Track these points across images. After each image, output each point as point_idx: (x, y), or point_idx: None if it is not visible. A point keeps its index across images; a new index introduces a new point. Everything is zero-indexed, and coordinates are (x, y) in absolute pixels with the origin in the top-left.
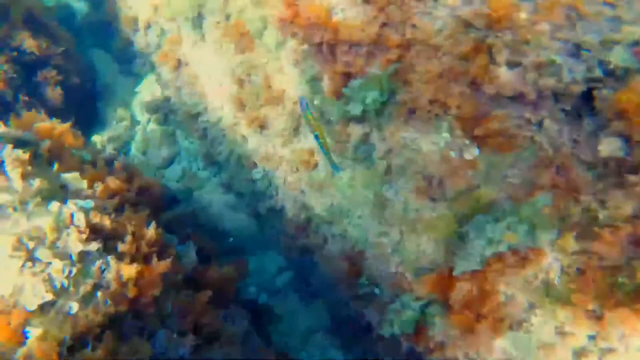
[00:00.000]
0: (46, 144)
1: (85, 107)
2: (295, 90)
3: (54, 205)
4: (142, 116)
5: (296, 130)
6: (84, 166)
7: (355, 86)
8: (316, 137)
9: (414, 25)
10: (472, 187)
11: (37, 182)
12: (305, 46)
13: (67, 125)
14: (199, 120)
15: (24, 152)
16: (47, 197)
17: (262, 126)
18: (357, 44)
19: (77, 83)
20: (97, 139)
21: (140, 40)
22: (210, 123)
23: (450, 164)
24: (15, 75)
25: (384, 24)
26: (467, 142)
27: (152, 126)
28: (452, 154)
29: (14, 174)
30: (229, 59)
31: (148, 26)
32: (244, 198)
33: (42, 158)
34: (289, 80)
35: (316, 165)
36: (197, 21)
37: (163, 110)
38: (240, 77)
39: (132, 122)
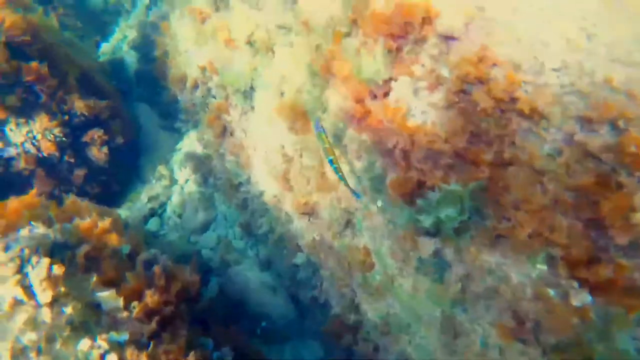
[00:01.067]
0: (84, 250)
1: (127, 163)
2: (353, 184)
3: (84, 344)
4: (180, 175)
5: (350, 224)
6: (122, 273)
7: (431, 199)
8: (330, 161)
9: (513, 144)
10: (582, 341)
11: (68, 309)
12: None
13: (108, 222)
14: (240, 190)
15: (59, 266)
16: (78, 327)
17: (311, 213)
18: (437, 153)
19: (121, 142)
20: (136, 197)
21: (186, 99)
22: (252, 195)
23: (549, 304)
24: (64, 138)
25: (472, 135)
26: (575, 284)
27: (191, 187)
28: (552, 292)
29: (44, 297)
30: (281, 136)
31: (196, 86)
32: (283, 280)
33: (78, 266)
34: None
35: (372, 266)
36: (249, 93)
37: (202, 172)
38: (291, 157)
39: (171, 180)
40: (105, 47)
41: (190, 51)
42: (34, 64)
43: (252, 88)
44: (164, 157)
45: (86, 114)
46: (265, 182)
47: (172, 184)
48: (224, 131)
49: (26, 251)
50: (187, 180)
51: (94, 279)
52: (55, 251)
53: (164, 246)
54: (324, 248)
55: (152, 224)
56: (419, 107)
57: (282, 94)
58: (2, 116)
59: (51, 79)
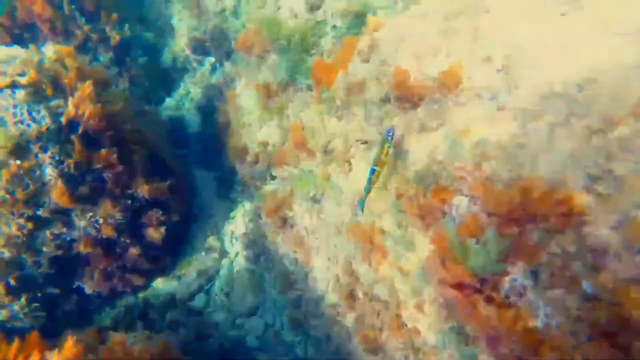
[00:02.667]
0: None
1: (181, 234)
2: (432, 335)
3: None
4: (231, 247)
5: None
6: None
7: None
8: (372, 171)
9: None
10: None
11: None
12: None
13: None
14: (295, 287)
15: None
16: None
17: (377, 349)
18: None
19: (177, 219)
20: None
21: (245, 172)
22: (308, 296)
23: None
24: (123, 221)
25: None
26: None
27: (241, 262)
28: None
29: None
30: (348, 251)
31: (256, 161)
32: None
33: None
34: (426, 322)
35: None
36: (318, 198)
37: (254, 250)
38: (358, 278)
39: (222, 253)
40: (169, 102)
41: (253, 125)
42: (103, 152)
43: (322, 195)
44: (217, 226)
45: (147, 196)
46: (324, 289)
47: (222, 257)
48: (284, 223)
49: None
50: (237, 254)
51: None
52: None
53: (209, 327)
54: None
55: (199, 301)
56: (539, 304)
57: (356, 213)
58: (71, 206)
59: (118, 166)
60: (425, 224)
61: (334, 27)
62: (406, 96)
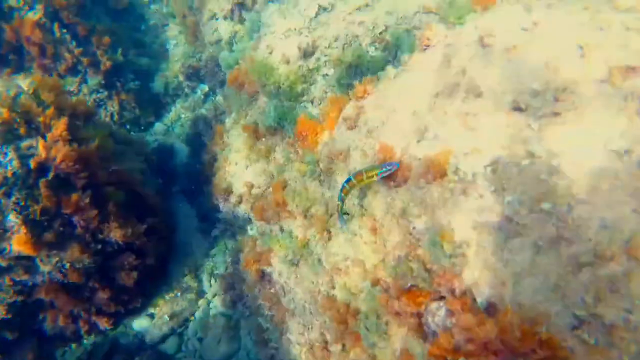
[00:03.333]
0: None
1: (157, 273)
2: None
3: None
4: (209, 288)
5: None
6: None
7: None
8: (348, 180)
9: None
10: None
11: None
12: None
13: None
14: (269, 345)
15: None
16: None
17: None
18: None
19: (152, 262)
20: (159, 311)
21: (228, 211)
22: (281, 357)
23: None
24: (92, 265)
25: None
26: None
27: (217, 306)
28: None
29: None
30: (323, 321)
31: (240, 202)
32: None
33: None
34: None
35: None
36: (295, 262)
37: (232, 295)
38: (331, 354)
39: (198, 293)
40: (159, 127)
41: (239, 164)
42: (74, 197)
43: (300, 259)
44: (196, 264)
45: (121, 241)
46: (298, 354)
47: (198, 298)
48: (263, 275)
49: None
50: (215, 296)
51: None
52: None
53: None
54: None
55: (170, 344)
56: None
57: (333, 286)
58: (34, 253)
59: (90, 210)
60: (401, 320)
61: (326, 75)
62: (390, 175)
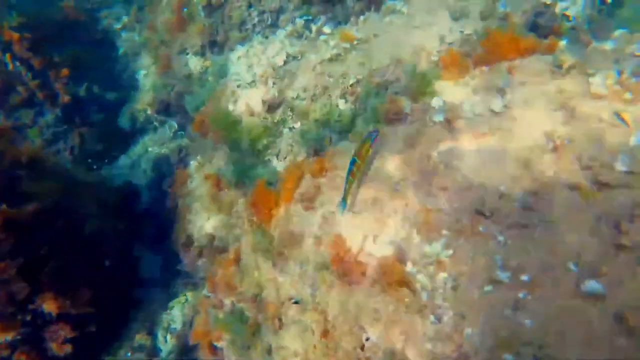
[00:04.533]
0: None
1: (103, 334)
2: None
3: None
4: (164, 345)
5: None
6: None
7: None
8: (354, 160)
9: None
10: None
11: None
12: None
13: None
14: None
15: None
16: None
17: None
18: None
19: (94, 330)
20: None
21: (189, 261)
22: None
23: None
24: (19, 337)
25: None
26: None
27: None
28: None
29: None
30: None
31: (200, 254)
32: None
33: None
34: None
35: None
36: (244, 345)
37: (190, 355)
38: None
39: (152, 352)
40: (124, 161)
41: (201, 214)
42: (1, 265)
43: (250, 345)
44: (152, 317)
45: (54, 313)
46: None
47: (151, 357)
48: (214, 351)
49: None
50: (170, 354)
51: None
52: None
53: None
54: None
55: None
56: None
57: None
58: None
59: (19, 283)
60: None
61: (292, 128)
62: (345, 271)
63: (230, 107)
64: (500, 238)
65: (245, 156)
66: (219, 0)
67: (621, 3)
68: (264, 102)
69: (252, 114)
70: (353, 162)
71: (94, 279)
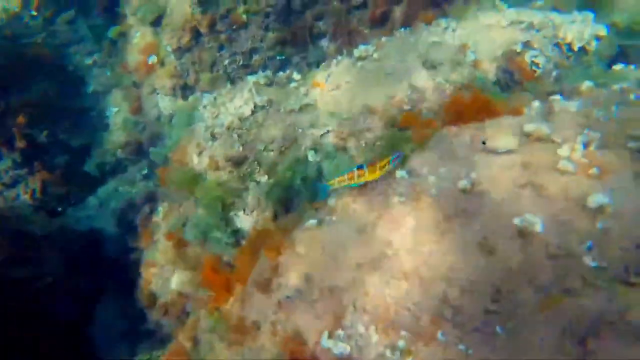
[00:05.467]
0: None
1: None
2: None
3: None
4: None
5: None
6: None
7: None
8: (360, 167)
9: None
10: None
11: None
12: None
13: None
14: None
15: None
16: None
17: None
18: None
19: None
20: None
21: (154, 319)
22: None
23: None
24: None
25: None
26: None
27: None
28: None
29: None
30: None
31: (165, 312)
32: None
33: None
34: None
35: None
36: None
37: None
38: None
39: None
40: (91, 201)
41: (166, 269)
42: None
43: None
44: None
45: None
46: None
47: None
48: None
49: None
50: None
51: None
52: None
53: None
54: None
55: None
56: None
57: None
58: None
59: None
60: None
61: (259, 182)
62: None
63: (195, 160)
64: (461, 347)
65: (209, 213)
66: (188, 43)
67: (586, 51)
68: (228, 156)
69: (217, 168)
70: (360, 167)
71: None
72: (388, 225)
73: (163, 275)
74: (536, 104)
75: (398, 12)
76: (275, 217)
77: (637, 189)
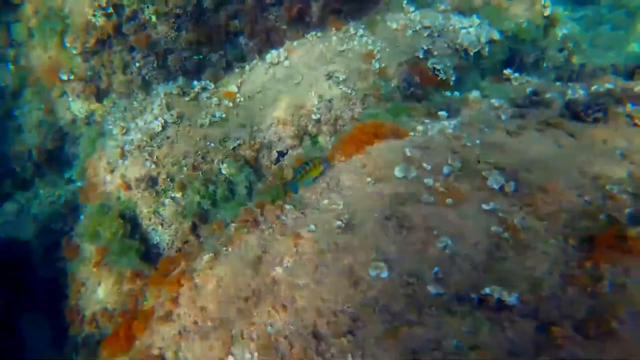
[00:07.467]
0: None
1: None
2: None
3: None
4: None
5: None
6: None
7: None
8: (308, 163)
9: None
10: None
11: None
12: None
13: None
14: None
15: None
16: None
17: None
18: None
19: None
20: None
21: (80, 335)
22: None
23: None
24: None
25: None
26: None
27: None
28: None
29: None
30: None
31: (94, 325)
32: None
33: None
34: None
35: None
36: None
37: None
38: None
39: None
40: (10, 207)
41: (91, 281)
42: None
43: None
44: None
45: None
46: None
47: None
48: None
49: None
50: None
51: None
52: None
53: None
54: None
55: None
56: None
57: None
58: None
59: None
60: None
61: (174, 197)
62: None
63: (108, 179)
64: None
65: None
66: (92, 46)
67: (481, 56)
68: (139, 176)
69: (129, 188)
70: (307, 163)
71: None
72: (272, 260)
73: (89, 286)
74: (420, 127)
75: (315, 8)
76: (194, 228)
77: (481, 216)
